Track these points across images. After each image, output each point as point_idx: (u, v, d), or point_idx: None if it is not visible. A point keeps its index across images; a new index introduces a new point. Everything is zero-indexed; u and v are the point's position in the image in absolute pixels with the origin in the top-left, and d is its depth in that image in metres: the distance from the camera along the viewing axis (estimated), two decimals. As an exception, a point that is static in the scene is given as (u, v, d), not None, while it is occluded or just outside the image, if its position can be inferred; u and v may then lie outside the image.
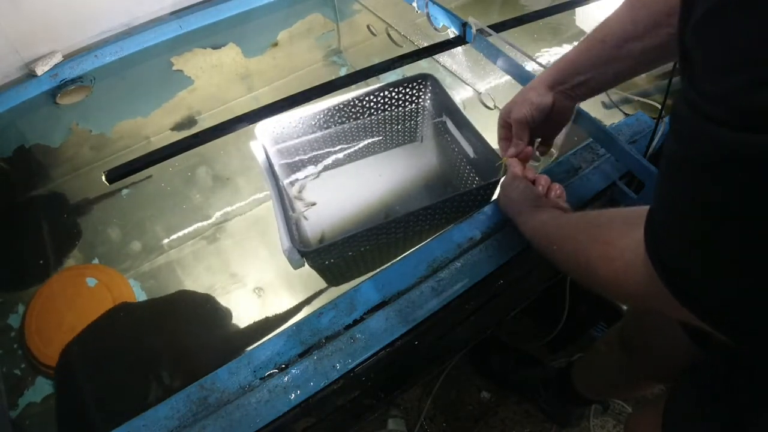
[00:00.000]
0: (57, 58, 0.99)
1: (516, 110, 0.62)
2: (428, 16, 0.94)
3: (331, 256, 0.67)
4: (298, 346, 0.53)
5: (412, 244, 0.77)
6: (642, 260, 0.34)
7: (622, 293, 0.40)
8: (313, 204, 0.87)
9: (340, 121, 0.85)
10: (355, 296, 0.56)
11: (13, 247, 1.00)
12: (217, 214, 1.08)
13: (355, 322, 0.54)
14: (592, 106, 0.97)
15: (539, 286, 0.96)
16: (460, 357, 1.14)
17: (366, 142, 0.91)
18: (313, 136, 0.85)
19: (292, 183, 0.91)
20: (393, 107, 0.87)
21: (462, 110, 0.79)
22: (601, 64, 0.56)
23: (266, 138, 0.80)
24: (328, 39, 1.36)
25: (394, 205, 0.88)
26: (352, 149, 0.91)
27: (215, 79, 1.22)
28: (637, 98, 0.95)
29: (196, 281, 0.99)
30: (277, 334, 0.54)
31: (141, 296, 0.96)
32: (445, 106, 0.83)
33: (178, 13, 1.11)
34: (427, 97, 0.87)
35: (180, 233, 1.05)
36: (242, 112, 0.71)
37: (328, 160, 0.91)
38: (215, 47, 1.17)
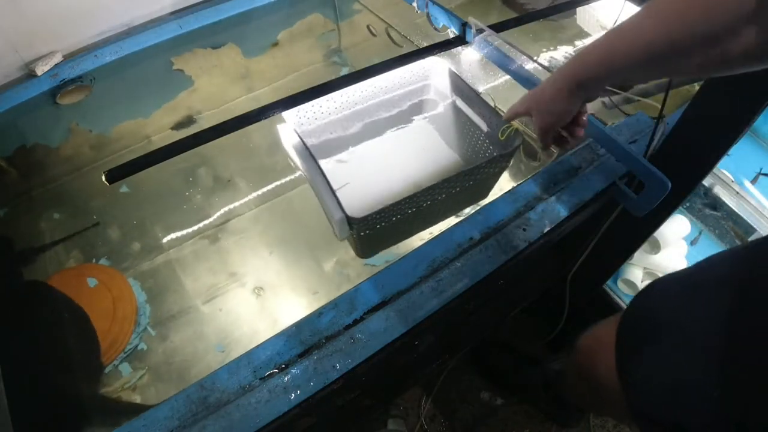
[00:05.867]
0: (57, 58, 0.99)
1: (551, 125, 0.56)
2: (428, 16, 0.94)
3: (377, 222, 0.69)
4: (298, 346, 0.53)
5: (439, 213, 0.81)
6: None
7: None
8: (347, 183, 0.90)
9: (360, 101, 0.88)
10: (355, 296, 0.56)
11: (14, 247, 1.00)
12: (217, 214, 1.08)
13: (355, 322, 0.54)
14: (592, 106, 0.97)
15: (539, 286, 0.96)
16: (460, 357, 1.14)
17: (384, 119, 0.93)
18: (336, 117, 0.88)
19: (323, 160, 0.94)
20: (403, 87, 0.89)
21: (471, 86, 0.80)
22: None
23: (294, 120, 0.82)
24: (328, 39, 1.36)
25: (417, 177, 0.90)
26: (373, 128, 0.94)
27: (215, 79, 1.22)
28: (637, 98, 0.95)
29: (196, 280, 0.99)
30: (277, 334, 0.54)
31: (141, 296, 0.96)
32: (456, 85, 0.84)
33: (178, 13, 1.11)
34: (436, 79, 0.89)
35: (180, 233, 1.05)
36: (242, 112, 0.70)
37: (352, 140, 0.93)
38: (215, 47, 1.17)
